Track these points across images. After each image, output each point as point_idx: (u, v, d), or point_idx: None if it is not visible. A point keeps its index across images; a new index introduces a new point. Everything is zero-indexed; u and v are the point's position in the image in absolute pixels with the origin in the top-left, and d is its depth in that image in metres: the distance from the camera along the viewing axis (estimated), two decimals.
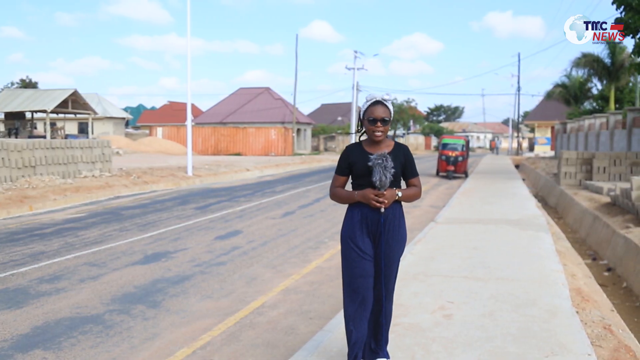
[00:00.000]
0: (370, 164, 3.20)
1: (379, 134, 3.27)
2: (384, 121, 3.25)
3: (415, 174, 3.42)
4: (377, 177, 3.16)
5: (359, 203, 3.30)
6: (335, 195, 3.42)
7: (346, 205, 3.44)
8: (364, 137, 3.46)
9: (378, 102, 3.27)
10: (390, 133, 59.92)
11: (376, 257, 3.30)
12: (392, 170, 3.18)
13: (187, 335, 4.55)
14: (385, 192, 3.19)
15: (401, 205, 3.37)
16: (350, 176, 3.39)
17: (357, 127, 3.47)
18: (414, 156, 3.48)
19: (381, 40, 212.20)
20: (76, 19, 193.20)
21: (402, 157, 3.33)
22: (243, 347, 4.31)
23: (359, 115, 3.40)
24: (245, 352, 4.21)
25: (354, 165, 3.32)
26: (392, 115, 3.31)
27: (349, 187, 3.41)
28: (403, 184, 3.42)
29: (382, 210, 3.22)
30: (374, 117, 3.24)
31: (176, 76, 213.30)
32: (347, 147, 3.43)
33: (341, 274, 3.40)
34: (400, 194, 3.26)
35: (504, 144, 72.89)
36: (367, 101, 3.31)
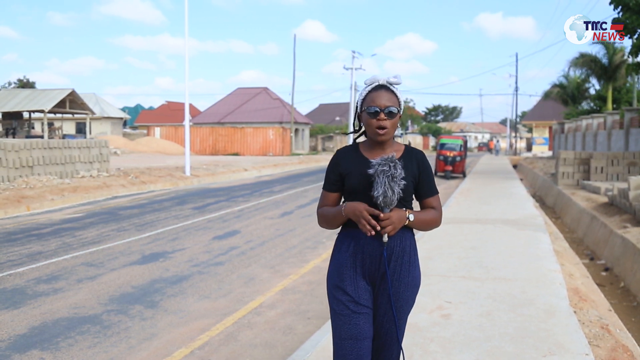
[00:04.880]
0: (371, 171, 2.26)
1: (383, 130, 2.32)
2: (390, 113, 2.33)
3: (434, 191, 2.45)
4: (380, 190, 2.22)
5: (352, 230, 2.36)
6: (322, 216, 2.46)
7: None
8: (362, 139, 2.54)
9: (381, 87, 2.36)
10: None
11: (378, 310, 2.36)
12: (402, 182, 2.26)
13: (185, 335, 4.55)
14: (391, 214, 2.24)
15: (413, 235, 2.42)
16: (342, 193, 2.46)
17: (355, 125, 2.57)
18: None
19: (375, 40, 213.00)
20: (69, 18, 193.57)
21: (414, 167, 2.39)
22: (241, 347, 4.31)
23: (356, 108, 2.48)
24: (243, 352, 4.21)
25: (347, 176, 2.38)
26: (401, 105, 2.40)
27: None
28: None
29: (385, 239, 2.26)
30: (377, 106, 2.32)
31: (171, 76, 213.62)
32: (337, 151, 2.49)
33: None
34: (412, 217, 2.31)
35: (502, 143, 71.94)
36: (367, 86, 2.41)
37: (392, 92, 2.37)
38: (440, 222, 2.48)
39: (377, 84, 2.38)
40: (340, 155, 2.45)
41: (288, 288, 5.91)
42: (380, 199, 2.23)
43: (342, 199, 2.47)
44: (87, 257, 7.18)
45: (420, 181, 2.41)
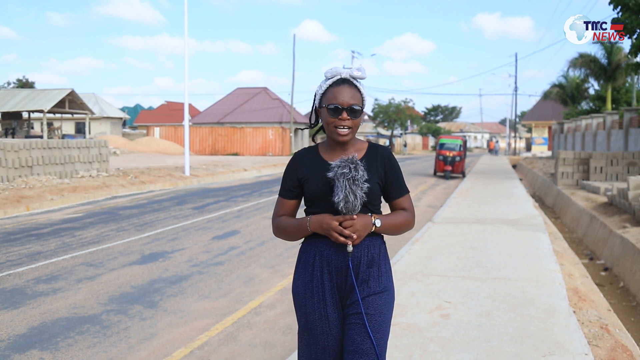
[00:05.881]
0: (330, 175, 2.07)
1: (344, 131, 2.11)
2: (352, 111, 2.11)
3: (404, 190, 2.25)
4: (340, 195, 2.03)
5: (315, 240, 2.18)
6: (279, 228, 2.28)
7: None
8: (321, 139, 2.34)
9: (344, 82, 2.13)
10: (387, 133, 60.20)
11: (348, 326, 2.13)
12: (366, 185, 2.06)
13: (184, 335, 4.55)
14: (354, 220, 2.07)
15: (383, 241, 2.23)
16: (303, 200, 2.29)
17: (311, 120, 2.28)
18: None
19: (373, 41, 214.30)
20: (67, 18, 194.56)
21: (380, 166, 2.19)
22: (240, 347, 4.31)
23: (314, 102, 2.23)
24: (242, 352, 4.21)
25: (306, 182, 2.19)
26: (364, 101, 2.16)
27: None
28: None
29: (350, 249, 2.08)
30: (337, 103, 2.09)
31: (170, 76, 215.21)
32: (295, 154, 2.29)
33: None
34: (378, 222, 2.12)
35: (502, 144, 71.96)
36: (327, 79, 2.16)
37: (356, 87, 2.14)
38: (413, 224, 2.27)
39: (339, 77, 2.14)
40: (298, 159, 2.24)
41: (287, 288, 5.90)
42: (342, 204, 2.04)
43: (305, 207, 2.29)
44: (86, 257, 7.18)
45: (388, 181, 2.21)
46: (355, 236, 2.06)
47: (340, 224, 2.07)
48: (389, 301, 2.18)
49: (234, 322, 4.85)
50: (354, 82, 2.15)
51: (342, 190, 2.03)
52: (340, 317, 2.17)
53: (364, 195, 2.06)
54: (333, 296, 2.16)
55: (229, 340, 4.46)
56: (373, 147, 2.24)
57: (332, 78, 2.15)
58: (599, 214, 11.03)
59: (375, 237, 2.19)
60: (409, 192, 2.29)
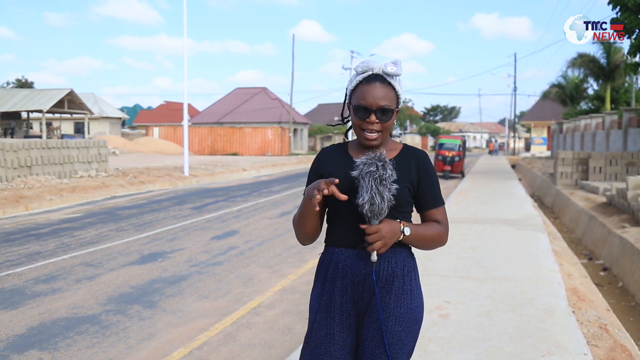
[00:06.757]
0: (354, 173, 1.82)
1: (371, 135, 1.89)
2: (383, 112, 1.87)
3: (439, 201, 1.99)
4: (365, 196, 1.77)
5: (332, 247, 1.97)
6: (293, 222, 2.06)
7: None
8: (352, 136, 2.16)
9: (376, 78, 1.88)
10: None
11: (364, 348, 1.89)
12: (394, 186, 1.80)
13: (183, 335, 4.55)
14: (380, 226, 1.80)
15: (410, 253, 1.97)
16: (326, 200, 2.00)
17: (343, 116, 2.09)
18: None
19: (372, 41, 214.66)
20: (65, 19, 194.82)
21: (413, 170, 1.94)
22: (240, 347, 4.31)
23: (345, 97, 2.02)
24: (241, 352, 4.21)
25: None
26: (399, 101, 1.93)
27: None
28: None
29: (374, 258, 1.82)
30: (366, 104, 1.87)
31: (169, 76, 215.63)
32: (322, 149, 2.09)
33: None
34: (408, 230, 1.85)
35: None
36: (358, 74, 1.92)
37: (390, 85, 1.89)
38: (446, 240, 1.99)
39: (370, 73, 1.89)
40: (324, 154, 2.04)
41: (287, 288, 5.90)
42: (367, 207, 1.77)
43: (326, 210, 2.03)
44: (85, 257, 7.17)
45: (421, 188, 1.95)
46: (379, 243, 1.79)
47: (366, 231, 1.80)
48: (410, 325, 1.90)
49: (233, 322, 4.85)
50: (388, 78, 1.89)
51: (367, 191, 1.77)
52: (349, 338, 1.92)
53: (392, 197, 1.80)
54: (344, 313, 1.91)
55: (228, 340, 4.45)
56: (407, 149, 2.00)
57: (363, 73, 1.90)
58: (598, 214, 11.04)
59: (400, 248, 1.91)
60: (444, 203, 2.02)
